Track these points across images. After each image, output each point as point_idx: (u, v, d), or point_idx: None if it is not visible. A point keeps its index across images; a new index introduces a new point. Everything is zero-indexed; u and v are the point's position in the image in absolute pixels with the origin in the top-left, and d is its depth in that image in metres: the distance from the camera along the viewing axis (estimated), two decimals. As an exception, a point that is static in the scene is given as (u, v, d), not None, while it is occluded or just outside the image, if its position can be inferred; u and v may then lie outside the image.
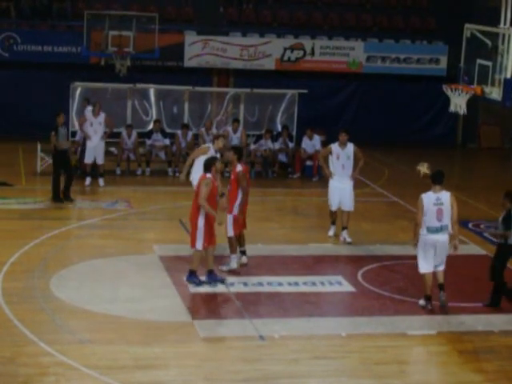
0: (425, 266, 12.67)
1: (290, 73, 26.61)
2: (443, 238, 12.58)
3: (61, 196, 18.34)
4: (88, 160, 20.19)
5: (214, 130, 22.11)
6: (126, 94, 22.85)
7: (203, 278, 13.42)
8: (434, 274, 12.77)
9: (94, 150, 20.08)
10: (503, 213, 12.84)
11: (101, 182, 20.20)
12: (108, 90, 23.31)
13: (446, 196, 12.57)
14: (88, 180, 20.12)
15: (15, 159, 22.53)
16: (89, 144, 20.16)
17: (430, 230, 12.49)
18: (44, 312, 12.09)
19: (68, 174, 18.52)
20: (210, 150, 15.36)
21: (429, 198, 12.51)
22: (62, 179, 18.44)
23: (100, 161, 20.22)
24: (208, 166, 13.36)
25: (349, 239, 16.24)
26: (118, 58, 23.86)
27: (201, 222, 13.11)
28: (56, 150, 18.45)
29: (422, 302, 12.86)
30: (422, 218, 12.48)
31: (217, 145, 15.42)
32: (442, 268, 12.76)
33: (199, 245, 13.19)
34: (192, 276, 13.34)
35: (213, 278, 13.43)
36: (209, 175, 13.22)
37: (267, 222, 16.73)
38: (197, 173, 15.10)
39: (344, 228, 16.35)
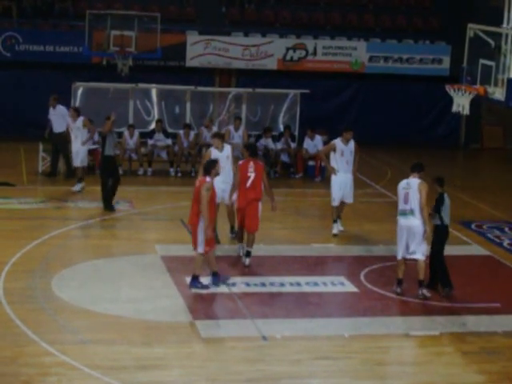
0: (398, 250, 13.31)
1: (293, 73, 26.57)
2: (413, 223, 13.05)
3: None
4: (76, 164, 19.49)
5: (214, 129, 22.15)
6: (128, 93, 22.83)
7: (206, 280, 13.34)
8: (414, 263, 13.21)
9: (77, 155, 19.36)
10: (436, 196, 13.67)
11: (77, 186, 19.37)
12: (110, 90, 23.28)
13: (414, 182, 13.19)
14: (79, 185, 19.26)
15: (17, 159, 22.50)
16: (72, 149, 19.56)
17: (399, 213, 13.23)
18: (45, 312, 12.06)
19: (114, 182, 17.79)
20: (213, 151, 15.35)
21: (401, 184, 13.34)
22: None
23: (79, 164, 19.39)
24: (208, 168, 13.22)
25: (341, 228, 16.74)
26: (120, 58, 23.81)
27: (201, 225, 13.00)
28: (103, 156, 17.86)
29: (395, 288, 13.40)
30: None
31: (214, 144, 15.48)
32: (417, 256, 13.12)
33: (201, 249, 13.11)
34: (195, 281, 13.22)
35: (217, 280, 13.38)
36: (208, 179, 13.06)
37: (269, 222, 16.67)
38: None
39: (339, 217, 16.77)
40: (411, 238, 13.13)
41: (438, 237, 13.39)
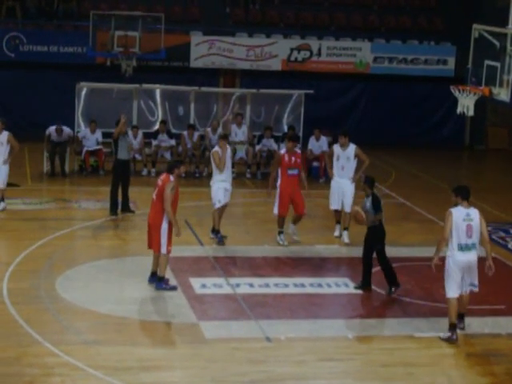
0: (453, 290, 11.71)
1: (297, 73, 26.57)
2: (474, 257, 11.70)
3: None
4: None
5: (219, 131, 22.11)
6: (132, 94, 22.83)
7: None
8: (460, 297, 11.87)
9: None
10: (369, 199, 13.30)
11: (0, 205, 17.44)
12: (114, 91, 23.30)
13: (475, 212, 11.77)
14: (2, 205, 17.44)
15: (21, 160, 22.43)
16: None
17: (462, 248, 11.61)
18: (49, 312, 12.06)
19: (124, 185, 17.52)
20: (218, 152, 15.51)
21: (458, 213, 11.67)
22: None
23: (1, 184, 17.38)
24: (172, 168, 13.14)
25: (347, 240, 16.14)
26: (124, 59, 23.85)
27: (165, 225, 12.94)
28: (116, 159, 17.57)
29: (444, 334, 11.78)
30: (451, 234, 11.63)
31: (220, 145, 15.60)
32: (468, 291, 11.96)
33: (164, 249, 13.02)
34: (161, 283, 13.15)
35: (162, 285, 13.17)
36: (172, 178, 12.99)
37: (273, 224, 16.63)
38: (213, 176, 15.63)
39: (345, 229, 16.29)
40: (470, 272, 11.76)
41: (379, 237, 13.33)
